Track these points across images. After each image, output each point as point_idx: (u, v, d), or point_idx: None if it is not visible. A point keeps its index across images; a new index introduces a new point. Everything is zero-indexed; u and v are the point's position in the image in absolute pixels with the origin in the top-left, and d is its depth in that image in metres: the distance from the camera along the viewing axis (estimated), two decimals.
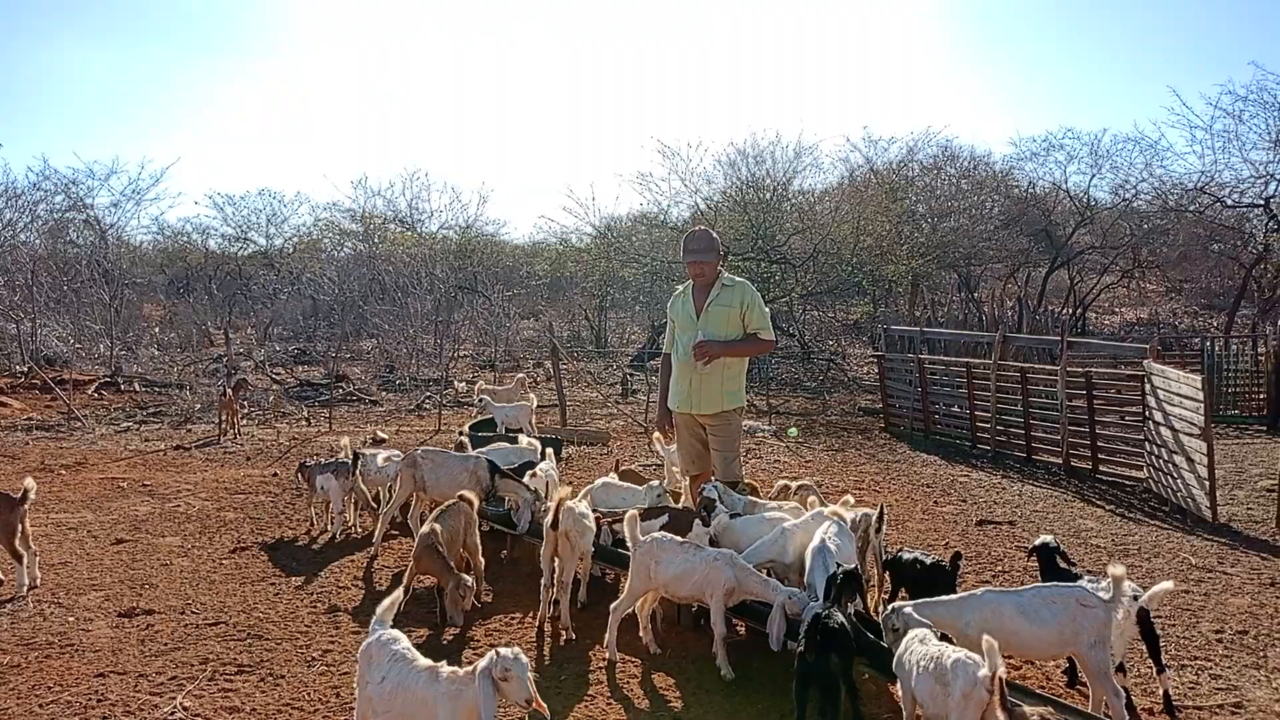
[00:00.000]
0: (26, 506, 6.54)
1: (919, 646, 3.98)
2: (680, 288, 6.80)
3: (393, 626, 4.21)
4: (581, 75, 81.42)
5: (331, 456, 8.72)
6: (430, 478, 7.21)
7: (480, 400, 12.18)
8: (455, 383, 18.18)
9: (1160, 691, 4.70)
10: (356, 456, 8.02)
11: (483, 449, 8.13)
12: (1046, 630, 4.28)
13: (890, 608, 4.31)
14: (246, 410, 14.99)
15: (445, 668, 3.82)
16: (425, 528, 5.94)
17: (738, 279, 6.65)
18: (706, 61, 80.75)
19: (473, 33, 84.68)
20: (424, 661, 3.91)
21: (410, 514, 7.59)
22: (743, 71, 75.23)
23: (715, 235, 6.74)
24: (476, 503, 6.52)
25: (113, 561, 7.29)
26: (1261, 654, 5.38)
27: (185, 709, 4.73)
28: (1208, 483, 8.46)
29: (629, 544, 5.30)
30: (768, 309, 6.74)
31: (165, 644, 5.61)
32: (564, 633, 5.71)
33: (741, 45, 79.70)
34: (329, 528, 8.12)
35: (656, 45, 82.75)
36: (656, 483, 6.86)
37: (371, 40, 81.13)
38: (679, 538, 5.30)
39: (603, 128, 75.55)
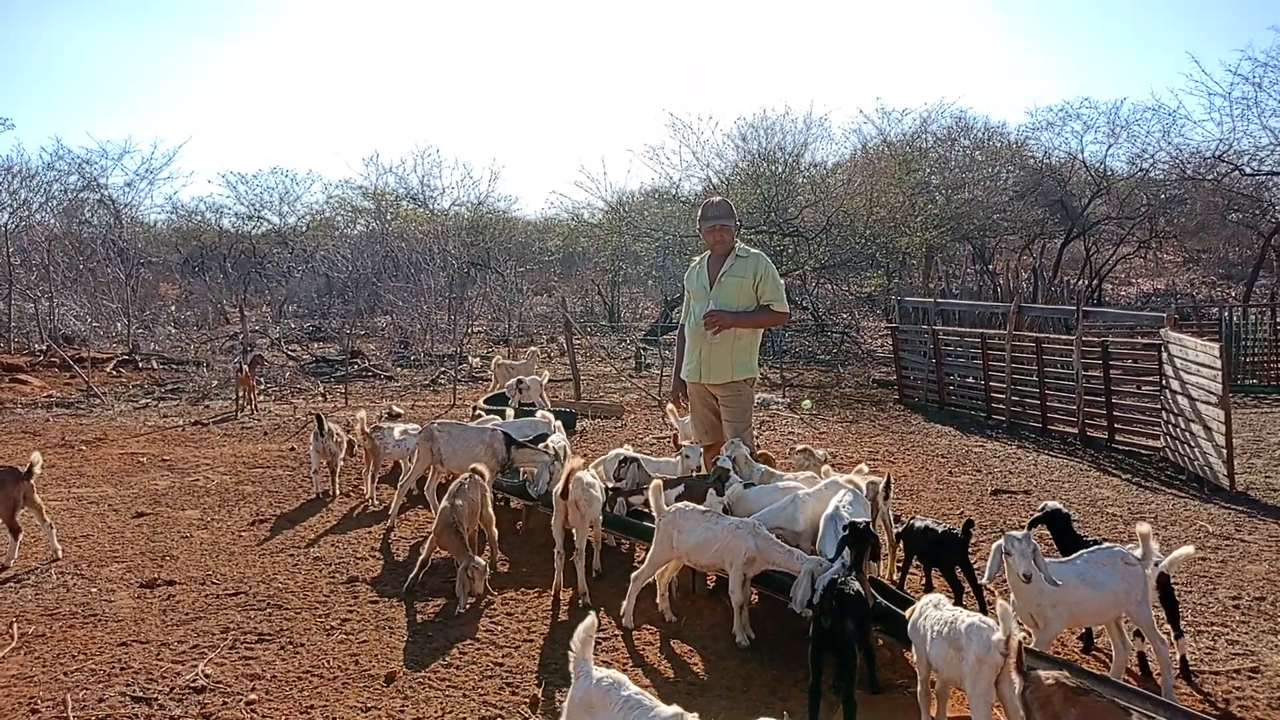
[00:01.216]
0: (32, 481, 6.56)
1: (933, 611, 3.99)
2: (696, 259, 6.78)
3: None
4: (592, 50, 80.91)
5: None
6: (447, 450, 7.25)
7: (519, 382, 11.99)
8: (470, 358, 18.23)
9: (1177, 656, 4.70)
10: (320, 421, 8.48)
11: (499, 422, 8.17)
12: (1105, 593, 4.33)
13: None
14: (263, 386, 15.08)
15: (690, 715, 3.09)
16: (444, 503, 5.98)
17: (752, 250, 6.62)
18: (717, 34, 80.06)
19: (484, 8, 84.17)
20: (666, 710, 3.16)
21: (426, 486, 7.64)
22: (753, 44, 74.59)
23: (731, 204, 6.72)
24: (490, 475, 6.58)
25: (134, 534, 7.37)
26: (1279, 620, 5.36)
27: (207, 676, 4.79)
28: (1225, 450, 8.41)
29: (654, 513, 5.32)
30: (782, 281, 6.72)
31: (186, 614, 5.68)
32: (581, 598, 5.76)
33: (752, 17, 78.95)
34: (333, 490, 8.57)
35: (666, 18, 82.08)
36: (690, 451, 6.77)
37: (382, 17, 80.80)
38: (700, 507, 5.32)
39: (614, 102, 75.19)
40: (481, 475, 6.32)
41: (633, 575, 5.42)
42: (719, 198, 6.85)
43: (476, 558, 5.75)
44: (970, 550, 5.66)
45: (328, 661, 5.00)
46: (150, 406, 14.02)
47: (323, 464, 8.48)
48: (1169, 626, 4.70)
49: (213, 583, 6.24)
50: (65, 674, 4.83)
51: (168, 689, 4.66)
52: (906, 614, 4.24)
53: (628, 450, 7.29)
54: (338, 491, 8.50)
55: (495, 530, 6.38)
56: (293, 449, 10.68)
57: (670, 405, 7.23)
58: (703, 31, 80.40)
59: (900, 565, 5.94)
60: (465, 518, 5.93)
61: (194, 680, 4.74)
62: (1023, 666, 3.44)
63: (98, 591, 6.08)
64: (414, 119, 70.98)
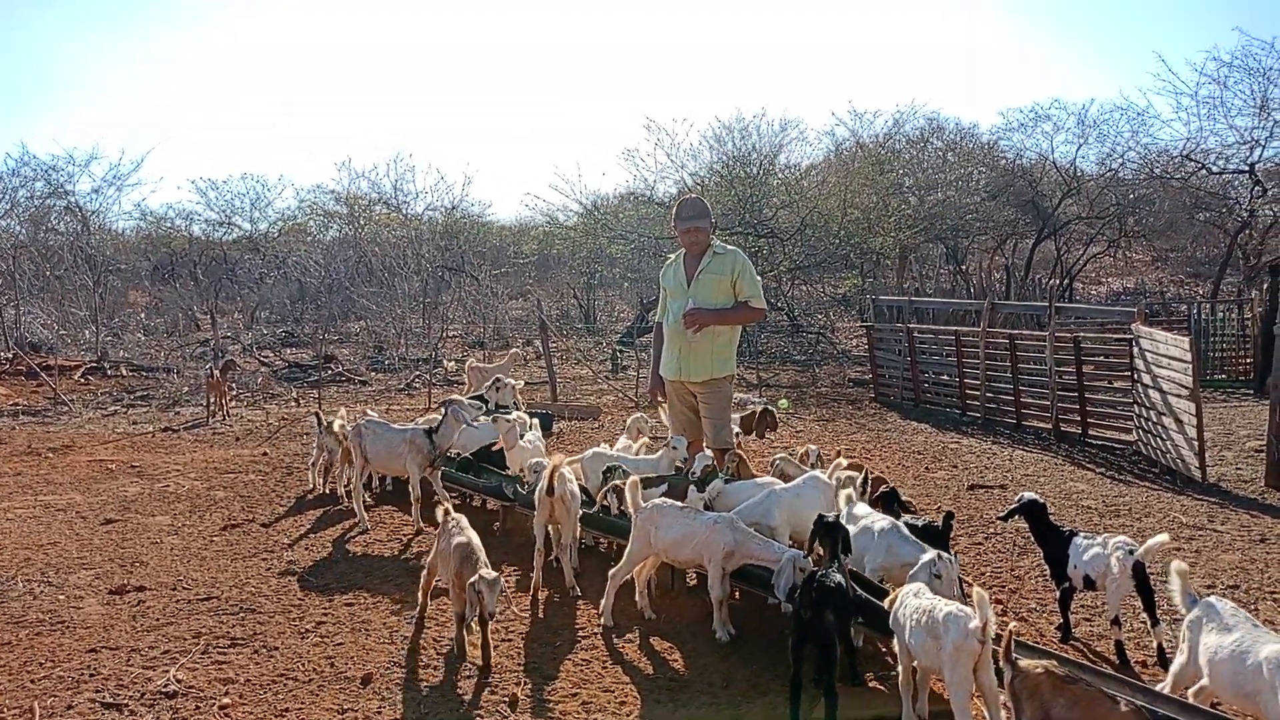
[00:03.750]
0: None
1: (913, 600, 3.99)
2: (672, 256, 6.77)
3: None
4: (567, 54, 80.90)
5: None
6: (372, 449, 7.36)
7: (496, 380, 11.88)
8: (445, 362, 18.12)
9: (1154, 645, 4.73)
10: (320, 418, 8.55)
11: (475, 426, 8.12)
12: None
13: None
14: (235, 392, 14.90)
15: None
16: (464, 539, 4.98)
17: (729, 247, 6.63)
18: (691, 38, 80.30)
19: (456, 12, 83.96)
20: None
21: (346, 483, 7.72)
22: (728, 47, 74.89)
23: (707, 204, 6.71)
24: (419, 472, 7.10)
25: (102, 541, 7.24)
26: (1253, 608, 5.40)
27: (179, 681, 4.70)
28: (1197, 443, 8.50)
29: (630, 510, 5.29)
30: (759, 278, 6.72)
31: (157, 619, 5.58)
32: (571, 591, 5.75)
33: (727, 21, 79.27)
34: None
35: (641, 22, 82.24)
36: (676, 442, 6.74)
37: (354, 22, 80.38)
38: (679, 503, 5.29)
39: (589, 106, 75.19)
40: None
41: (610, 573, 5.39)
42: (694, 196, 6.85)
43: (485, 570, 4.76)
44: (951, 544, 5.66)
45: (302, 665, 4.93)
46: (119, 413, 13.81)
47: (321, 457, 8.44)
48: (1145, 615, 4.73)
49: (184, 588, 6.13)
50: (32, 681, 4.73)
51: (138, 695, 4.57)
52: (886, 603, 4.23)
53: (605, 449, 7.25)
54: (323, 488, 8.43)
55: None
56: (265, 454, 10.55)
57: (663, 401, 7.13)
58: (678, 34, 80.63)
59: None
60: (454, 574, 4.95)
61: (165, 686, 4.65)
62: (1010, 656, 3.44)
63: (65, 599, 5.96)
64: (387, 124, 70.68)
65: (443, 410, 7.41)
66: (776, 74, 72.07)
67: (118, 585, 6.15)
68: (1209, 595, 4.04)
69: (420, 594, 5.41)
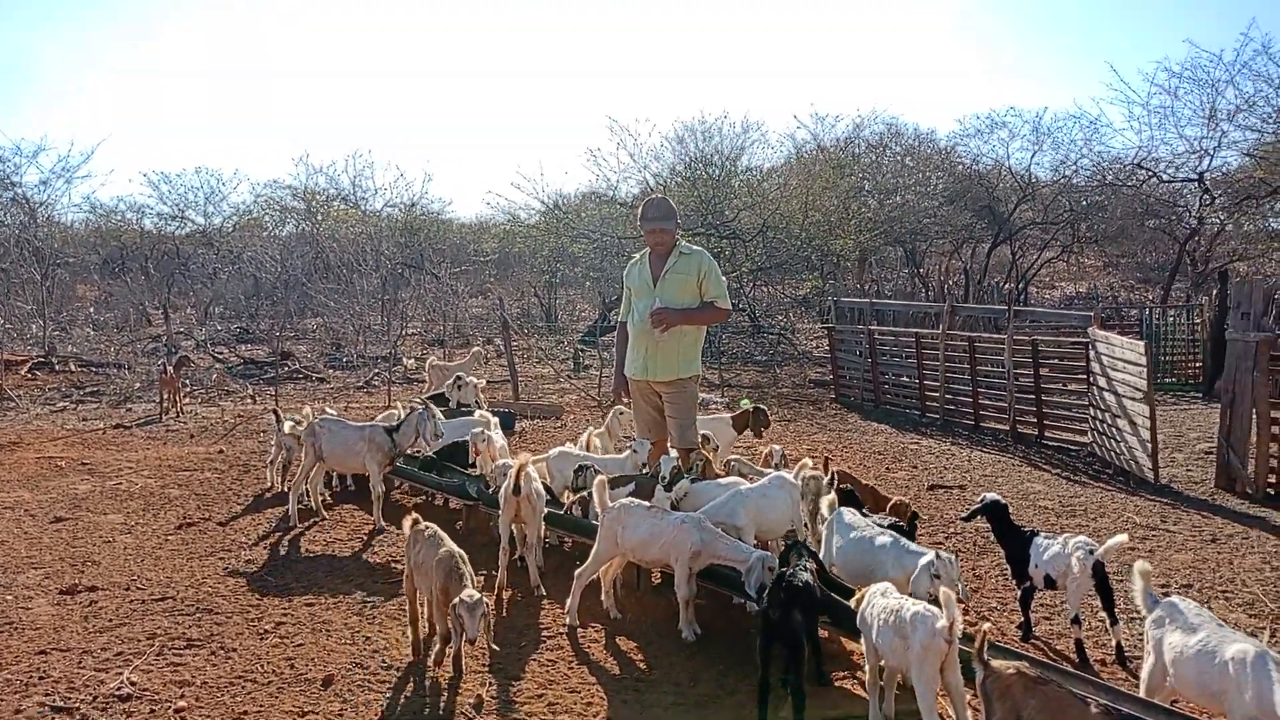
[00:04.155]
0: None
1: (880, 600, 4.01)
2: (637, 255, 6.74)
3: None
4: (529, 51, 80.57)
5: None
6: (327, 446, 7.28)
7: (458, 379, 11.78)
8: (404, 359, 17.93)
9: (1113, 643, 4.81)
10: (279, 416, 8.43)
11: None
12: None
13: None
14: (189, 388, 14.61)
15: None
16: (446, 551, 4.69)
17: (694, 247, 6.62)
18: (655, 39, 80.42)
19: (417, 8, 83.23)
20: None
21: (299, 480, 7.55)
22: (691, 49, 75.07)
23: (673, 203, 6.69)
24: (380, 469, 7.06)
25: (52, 540, 7.05)
26: (1206, 606, 5.49)
27: (133, 684, 4.59)
28: (1150, 445, 8.66)
29: (597, 509, 5.26)
30: (724, 278, 6.72)
31: (110, 620, 5.44)
32: (536, 590, 5.73)
33: (690, 23, 79.50)
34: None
35: (604, 22, 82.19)
36: (638, 445, 6.72)
37: (312, 14, 79.33)
38: (646, 503, 5.28)
39: (551, 104, 74.92)
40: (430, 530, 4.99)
41: (576, 572, 5.36)
42: (659, 197, 6.80)
43: (468, 591, 4.41)
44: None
45: (261, 666, 4.84)
46: (68, 410, 13.47)
47: (280, 455, 8.29)
48: (1104, 614, 4.80)
49: (138, 588, 5.99)
50: None
51: (91, 698, 4.45)
52: (853, 603, 4.25)
53: (570, 449, 7.22)
54: (282, 486, 8.26)
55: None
56: (221, 451, 10.35)
57: (626, 399, 7.10)
58: (641, 35, 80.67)
59: None
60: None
61: (119, 688, 4.53)
62: (984, 657, 3.46)
63: (14, 599, 5.79)
64: (346, 118, 69.81)
65: (409, 410, 7.33)
66: (739, 76, 72.44)
67: (68, 585, 6.00)
68: (1169, 595, 4.08)
69: (410, 629, 4.93)
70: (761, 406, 8.34)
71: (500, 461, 6.63)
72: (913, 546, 4.72)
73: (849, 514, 5.16)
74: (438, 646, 4.73)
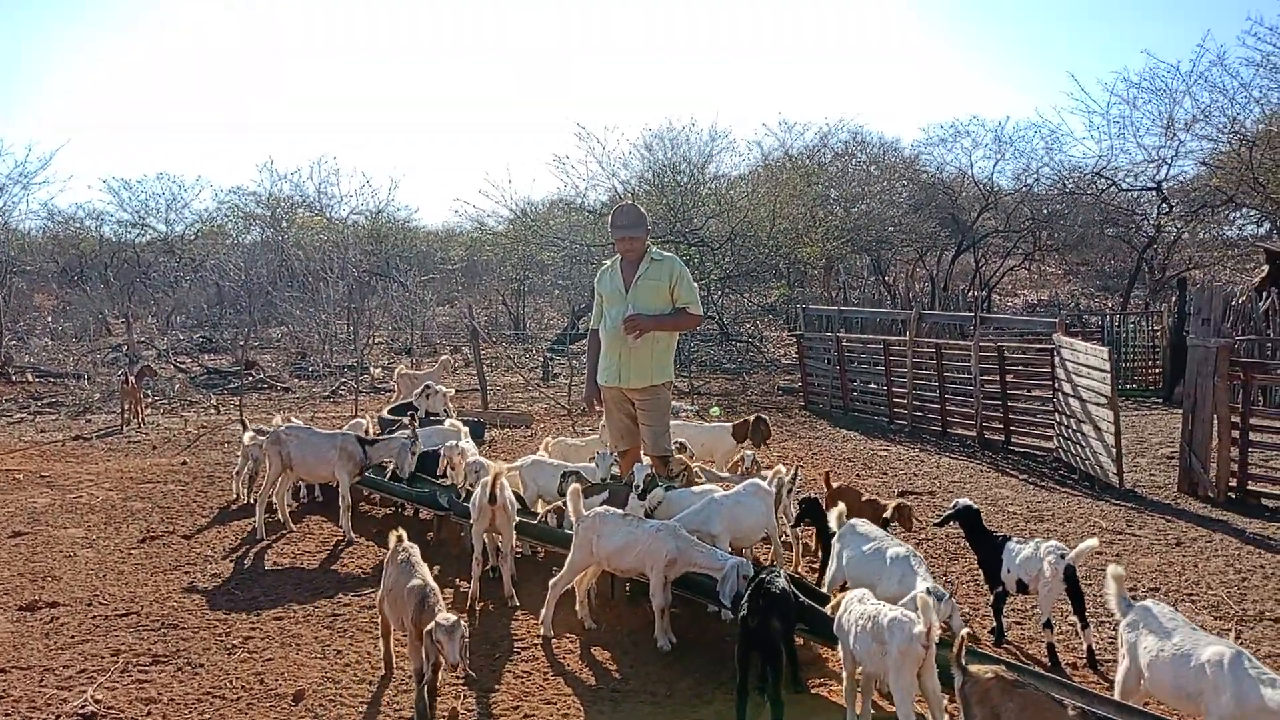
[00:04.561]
0: None
1: (857, 606, 4.02)
2: (608, 262, 6.72)
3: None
4: (496, 58, 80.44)
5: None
6: (296, 454, 7.21)
7: (426, 387, 11.65)
8: (371, 369, 17.77)
9: (1084, 646, 4.86)
10: (244, 427, 8.45)
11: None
12: None
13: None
14: (151, 399, 14.37)
15: None
16: (419, 583, 4.47)
17: (666, 254, 6.61)
18: (623, 46, 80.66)
19: (382, 13, 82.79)
20: None
21: (265, 492, 7.45)
22: (659, 56, 75.38)
23: (643, 210, 6.68)
24: (350, 478, 7.01)
25: (10, 554, 6.88)
26: (1173, 608, 5.59)
27: (97, 702, 4.49)
28: (1115, 450, 8.79)
29: (572, 518, 5.23)
30: (696, 284, 6.72)
31: (72, 637, 5.32)
32: (510, 601, 5.68)
33: (658, 30, 79.83)
34: None
35: (572, 28, 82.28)
36: (607, 451, 6.70)
37: (276, 17, 78.61)
38: (621, 511, 5.25)
39: (519, 111, 74.82)
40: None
41: (551, 582, 5.32)
42: (629, 204, 6.78)
43: (443, 614, 4.19)
44: None
45: (230, 682, 4.75)
46: (26, 421, 13.19)
47: (246, 466, 8.17)
48: (1075, 618, 4.85)
49: (100, 603, 5.86)
50: None
51: (53, 716, 4.35)
52: (829, 609, 4.26)
53: (543, 457, 7.17)
54: (248, 498, 8.12)
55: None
56: (185, 463, 10.18)
57: (598, 407, 7.06)
58: (609, 41, 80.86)
59: (816, 563, 5.99)
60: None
61: (82, 706, 4.43)
62: (961, 662, 3.48)
63: None
64: (311, 124, 69.29)
65: (392, 431, 7.26)
66: (705, 84, 72.82)
67: (28, 601, 5.86)
68: (1140, 599, 4.11)
69: (382, 641, 4.83)
70: (763, 417, 8.35)
71: (473, 458, 6.59)
72: (921, 571, 4.56)
73: (862, 524, 5.08)
74: (414, 688, 4.31)
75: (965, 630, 3.67)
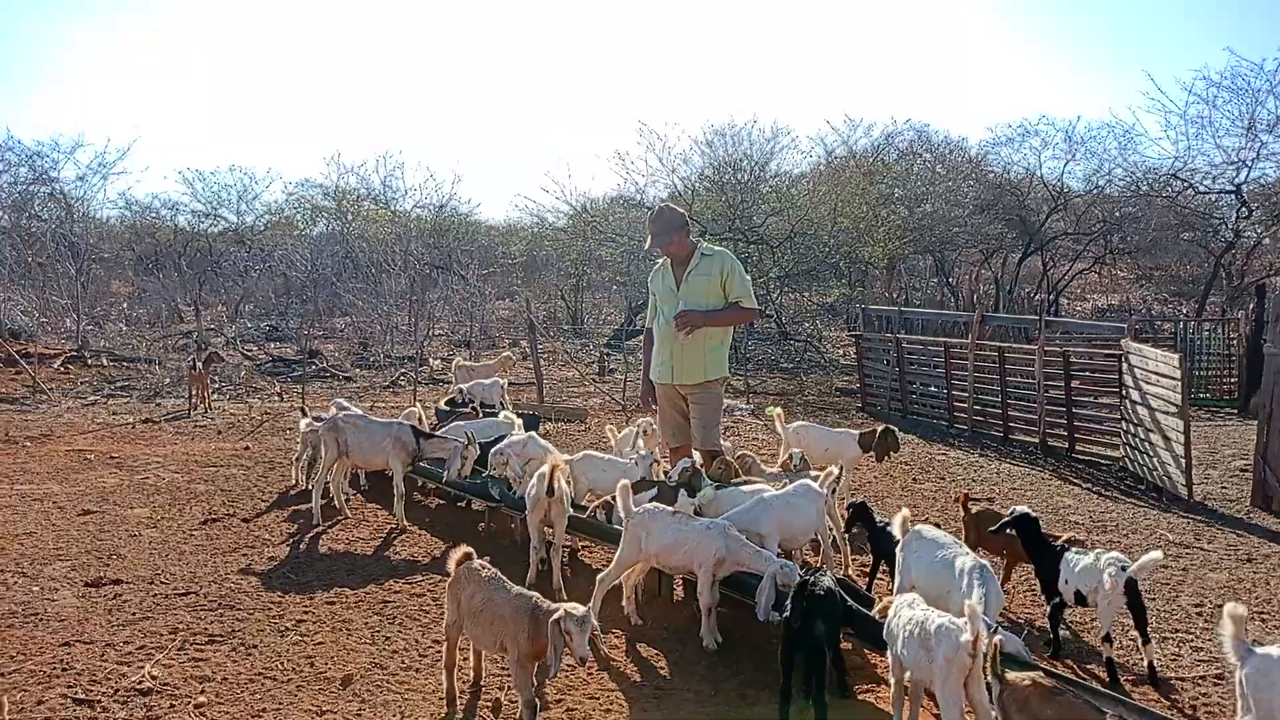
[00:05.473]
0: None
1: (906, 611, 3.94)
2: (660, 260, 6.68)
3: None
4: (558, 55, 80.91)
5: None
6: (353, 442, 7.29)
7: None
8: (430, 360, 18.01)
9: (1145, 662, 4.70)
10: (304, 414, 8.73)
11: (465, 423, 8.11)
12: None
13: None
14: (217, 385, 14.75)
15: None
16: (521, 595, 4.15)
17: (716, 248, 6.56)
18: (685, 42, 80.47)
19: (449, 10, 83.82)
20: None
21: (321, 478, 7.49)
22: (721, 53, 75.06)
23: (675, 209, 6.59)
24: (403, 468, 7.04)
25: (79, 532, 7.10)
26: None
27: (154, 678, 4.60)
28: (1184, 461, 8.50)
29: (621, 514, 5.22)
30: (749, 277, 6.65)
31: (133, 613, 5.46)
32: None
33: (721, 27, 79.49)
34: None
35: (634, 25, 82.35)
36: (645, 451, 6.70)
37: (346, 15, 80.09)
38: (670, 508, 5.23)
39: (579, 107, 75.14)
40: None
41: (598, 577, 5.31)
42: (660, 207, 6.67)
43: (571, 604, 3.92)
44: None
45: (281, 664, 4.83)
46: (99, 403, 13.63)
47: (306, 453, 8.30)
48: (1136, 632, 4.70)
49: (161, 582, 6.02)
50: (2, 675, 4.61)
51: (111, 691, 4.46)
52: (875, 613, 4.18)
53: (595, 453, 7.18)
54: (305, 483, 8.24)
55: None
56: (248, 448, 10.42)
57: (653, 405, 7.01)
58: (671, 38, 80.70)
59: (868, 568, 5.90)
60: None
61: (140, 682, 4.54)
62: (998, 669, 3.40)
63: (39, 590, 5.83)
64: (377, 119, 70.32)
65: (451, 438, 7.28)
66: (768, 81, 72.26)
67: (94, 578, 6.03)
68: (1219, 625, 3.59)
69: (445, 676, 4.41)
70: (892, 428, 8.25)
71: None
72: (991, 587, 4.28)
73: (929, 530, 4.89)
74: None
75: (998, 637, 3.55)
